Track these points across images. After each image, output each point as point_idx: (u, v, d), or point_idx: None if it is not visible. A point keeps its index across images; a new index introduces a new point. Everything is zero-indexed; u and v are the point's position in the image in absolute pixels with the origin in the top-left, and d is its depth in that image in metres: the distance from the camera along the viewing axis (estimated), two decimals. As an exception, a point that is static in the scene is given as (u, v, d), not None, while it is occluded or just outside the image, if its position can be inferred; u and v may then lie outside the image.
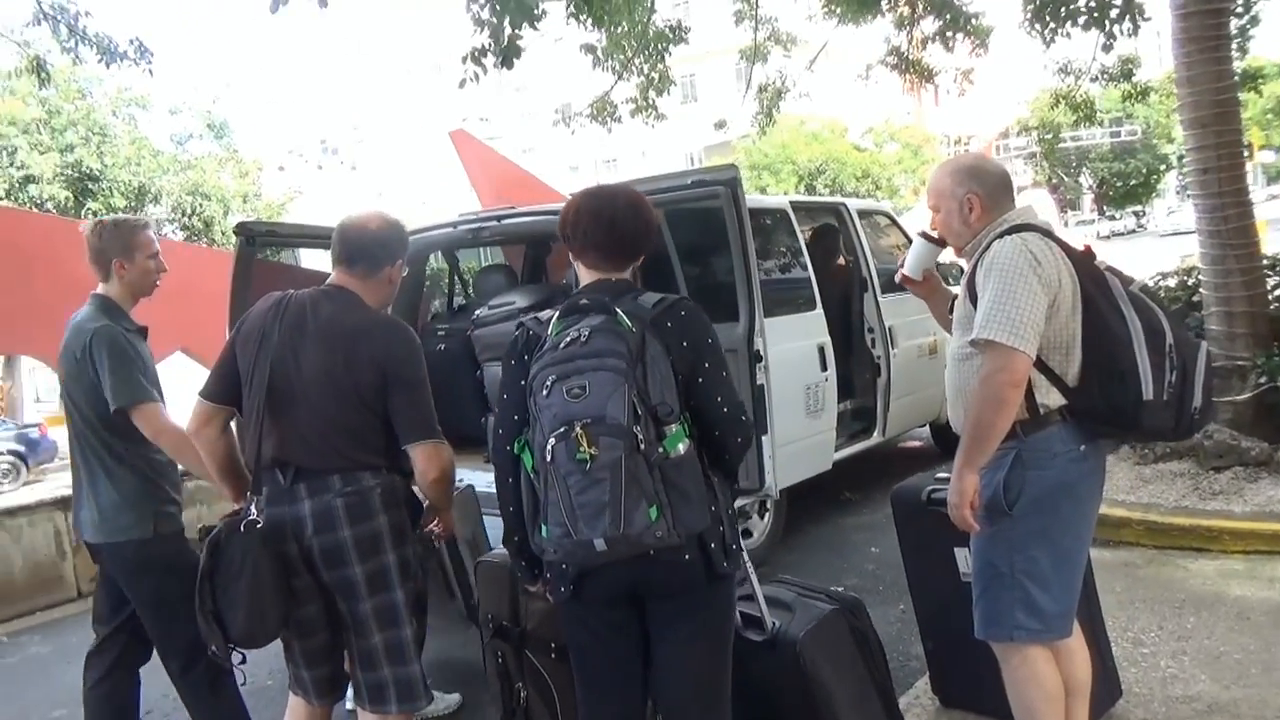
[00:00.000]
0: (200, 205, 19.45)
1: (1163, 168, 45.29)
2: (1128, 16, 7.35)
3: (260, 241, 4.46)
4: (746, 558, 2.42)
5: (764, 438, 3.96)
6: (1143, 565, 4.07)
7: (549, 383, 1.82)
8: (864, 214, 6.04)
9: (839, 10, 9.02)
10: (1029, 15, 7.92)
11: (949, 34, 9.07)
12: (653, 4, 8.43)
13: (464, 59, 6.02)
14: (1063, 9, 7.55)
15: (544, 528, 1.85)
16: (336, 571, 2.23)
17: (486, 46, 5.93)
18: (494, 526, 3.38)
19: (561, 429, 1.77)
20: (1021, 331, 2.04)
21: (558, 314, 1.96)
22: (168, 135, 20.99)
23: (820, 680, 2.39)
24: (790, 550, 4.89)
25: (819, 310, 5.02)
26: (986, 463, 2.15)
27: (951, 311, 2.44)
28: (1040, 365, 2.13)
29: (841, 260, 5.82)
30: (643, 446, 1.77)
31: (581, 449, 1.74)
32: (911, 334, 5.74)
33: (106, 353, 2.60)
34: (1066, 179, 47.33)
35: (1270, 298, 5.18)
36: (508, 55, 5.84)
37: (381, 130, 39.43)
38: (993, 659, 2.34)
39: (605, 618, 2.03)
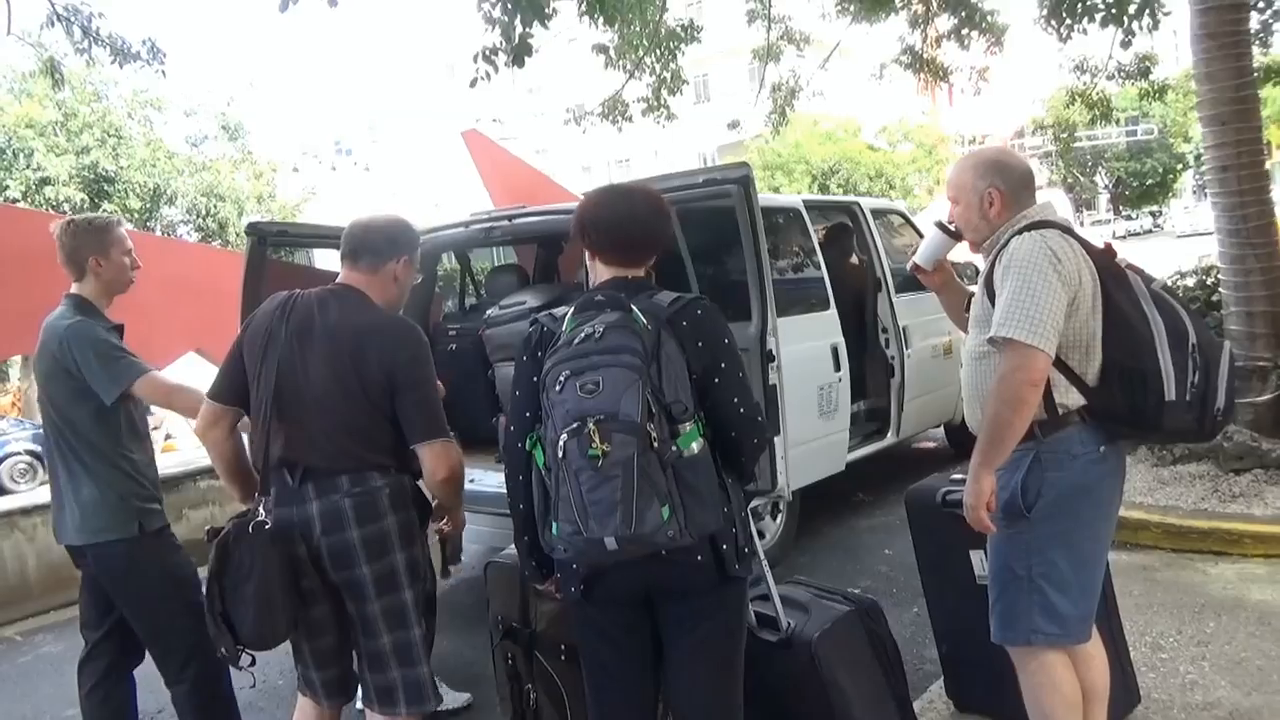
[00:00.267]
0: (215, 207, 19.53)
1: (1179, 167, 44.97)
2: (1147, 11, 7.27)
3: (272, 242, 4.46)
4: (763, 556, 2.40)
5: (777, 438, 3.93)
6: (1161, 568, 4.01)
7: (562, 378, 1.80)
8: (878, 213, 6.00)
9: (853, 8, 8.98)
10: (1045, 11, 7.85)
11: (964, 31, 9.01)
12: (665, 3, 8.40)
13: (475, 58, 6.02)
14: (1080, 4, 7.47)
15: (554, 525, 1.83)
16: (344, 572, 2.22)
17: (498, 45, 5.92)
18: (503, 527, 3.37)
19: (574, 425, 1.75)
20: (1041, 329, 2.00)
21: (573, 310, 1.95)
22: (183, 137, 21.03)
23: (834, 681, 2.37)
24: (803, 552, 4.86)
25: (832, 310, 4.99)
26: (1003, 464, 2.12)
27: (967, 309, 2.41)
28: (1059, 364, 2.09)
29: (855, 259, 5.79)
30: (656, 444, 1.75)
31: (594, 445, 1.73)
32: (926, 334, 5.70)
33: (88, 348, 2.56)
34: (1082, 179, 47.05)
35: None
36: (519, 53, 5.83)
37: (396, 131, 39.55)
38: (1008, 663, 2.30)
39: (616, 619, 2.02)
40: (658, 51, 8.79)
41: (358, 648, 2.31)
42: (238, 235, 18.98)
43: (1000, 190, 2.21)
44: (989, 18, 9.01)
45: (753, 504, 3.82)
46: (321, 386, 2.20)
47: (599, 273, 2.07)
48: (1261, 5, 7.50)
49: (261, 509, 2.21)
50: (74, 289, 2.71)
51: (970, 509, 2.13)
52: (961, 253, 2.58)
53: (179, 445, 12.49)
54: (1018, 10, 9.06)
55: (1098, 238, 2.46)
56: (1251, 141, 5.03)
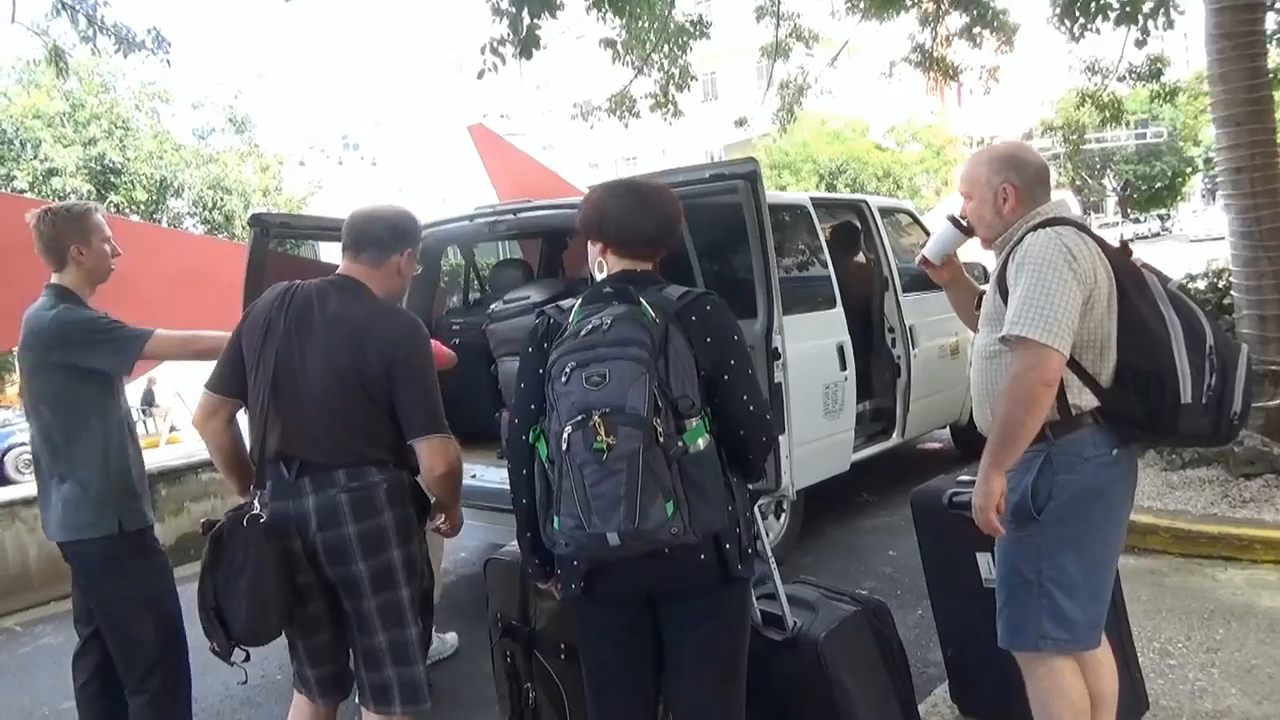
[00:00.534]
0: (221, 199, 19.54)
1: (1188, 170, 44.77)
2: (1161, 10, 7.21)
3: (275, 233, 4.43)
4: (770, 554, 2.36)
5: (781, 437, 3.90)
6: (1170, 573, 3.97)
7: (568, 369, 1.77)
8: (885, 212, 5.96)
9: (862, 6, 8.92)
10: (1058, 10, 7.79)
11: (975, 30, 8.95)
12: (673, -2, 8.36)
13: (482, 49, 5.99)
14: (1093, 3, 7.41)
15: (556, 519, 1.80)
16: (340, 568, 2.18)
17: (505, 36, 5.90)
18: (503, 523, 3.34)
19: (579, 417, 1.72)
20: (1055, 328, 1.95)
21: (580, 301, 1.92)
22: (190, 129, 21.05)
23: (839, 681, 2.34)
24: (806, 552, 4.82)
25: (839, 308, 4.95)
26: (1014, 465, 2.08)
27: (976, 306, 2.37)
28: (1073, 365, 2.04)
29: (862, 258, 5.75)
30: (662, 439, 1.72)
31: (599, 438, 1.69)
32: (933, 334, 5.66)
33: (83, 328, 2.52)
34: (1090, 181, 46.88)
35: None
36: (526, 45, 5.80)
37: (402, 125, 39.55)
38: (1014, 668, 2.26)
39: (617, 617, 1.99)
40: (666, 47, 8.75)
41: (353, 645, 2.28)
42: (243, 228, 18.98)
43: (1015, 185, 2.17)
44: (1000, 16, 8.95)
45: (757, 503, 3.79)
46: (320, 379, 2.17)
47: (609, 265, 2.03)
48: (1278, 5, 7.42)
49: (257, 502, 2.18)
50: (54, 279, 2.64)
51: (979, 511, 2.09)
52: (969, 251, 2.54)
53: (183, 437, 12.49)
54: (1029, 9, 9.01)
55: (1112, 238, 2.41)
56: (1266, 143, 4.97)
